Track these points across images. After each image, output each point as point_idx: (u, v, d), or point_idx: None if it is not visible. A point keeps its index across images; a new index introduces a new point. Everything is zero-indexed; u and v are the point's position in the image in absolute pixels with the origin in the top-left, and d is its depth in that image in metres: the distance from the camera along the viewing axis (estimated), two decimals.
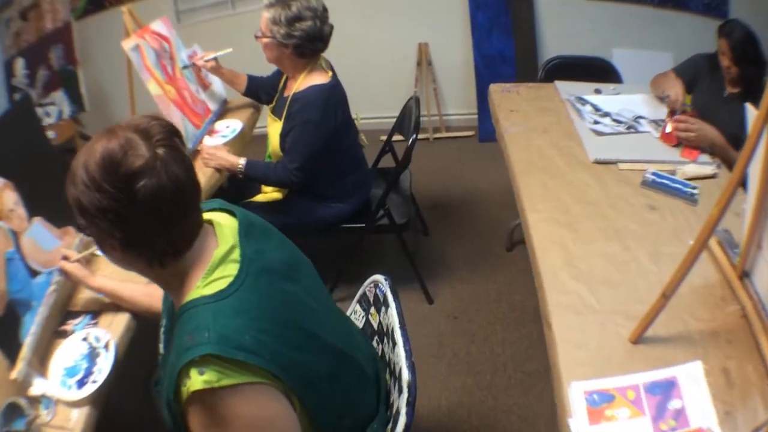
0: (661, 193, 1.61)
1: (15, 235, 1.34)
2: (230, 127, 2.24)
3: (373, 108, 3.54)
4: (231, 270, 0.92)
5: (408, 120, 2.34)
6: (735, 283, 1.28)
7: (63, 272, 1.41)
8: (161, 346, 1.13)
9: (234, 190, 2.45)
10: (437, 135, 3.64)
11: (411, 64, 3.43)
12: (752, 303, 1.19)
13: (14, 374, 1.22)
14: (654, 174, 1.66)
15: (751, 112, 1.07)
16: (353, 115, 2.29)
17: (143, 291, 1.36)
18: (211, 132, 2.20)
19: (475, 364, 2.14)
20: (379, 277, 1.39)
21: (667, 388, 1.07)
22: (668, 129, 1.82)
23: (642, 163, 1.72)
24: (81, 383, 1.28)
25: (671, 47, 2.61)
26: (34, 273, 1.39)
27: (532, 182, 1.69)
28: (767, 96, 0.93)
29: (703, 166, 1.69)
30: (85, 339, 1.39)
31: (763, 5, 2.56)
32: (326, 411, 1.03)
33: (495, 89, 2.30)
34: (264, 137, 2.23)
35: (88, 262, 1.53)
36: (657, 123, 1.90)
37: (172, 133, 0.90)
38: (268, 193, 2.20)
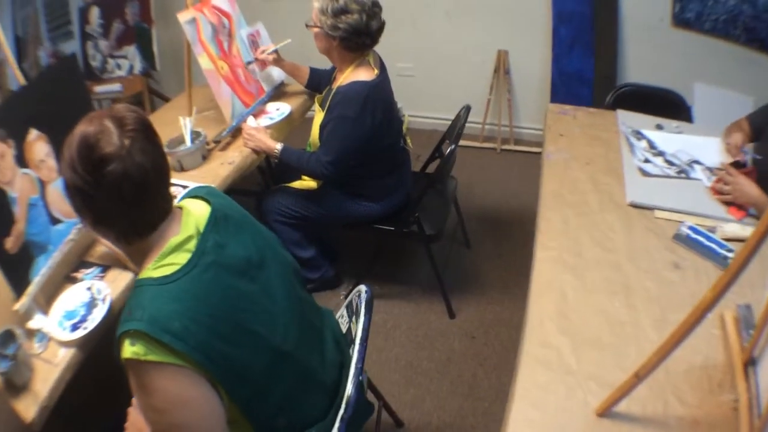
0: (693, 250, 1.45)
1: (42, 184, 1.46)
2: (280, 110, 2.29)
3: (444, 108, 3.49)
4: (181, 259, 0.97)
5: (455, 128, 2.28)
6: (738, 369, 1.12)
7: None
8: None
9: (278, 172, 2.52)
10: (505, 146, 3.52)
11: (488, 70, 3.33)
12: (748, 396, 1.05)
13: (17, 306, 1.34)
14: (691, 228, 1.50)
15: None
16: (402, 117, 2.27)
17: None
18: (261, 112, 2.26)
19: (478, 389, 2.06)
20: (362, 287, 1.37)
21: None
22: None
23: (681, 214, 1.56)
24: (75, 327, 1.38)
25: (753, 91, 2.33)
26: (55, 221, 1.51)
27: (554, 216, 1.58)
28: None
29: (746, 227, 1.51)
30: (89, 289, 1.49)
31: None
32: (260, 406, 1.05)
33: (553, 109, 2.17)
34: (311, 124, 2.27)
35: None
36: (712, 171, 1.71)
37: (144, 124, 0.97)
38: (306, 181, 2.23)
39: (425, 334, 2.32)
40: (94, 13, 3.09)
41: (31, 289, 1.38)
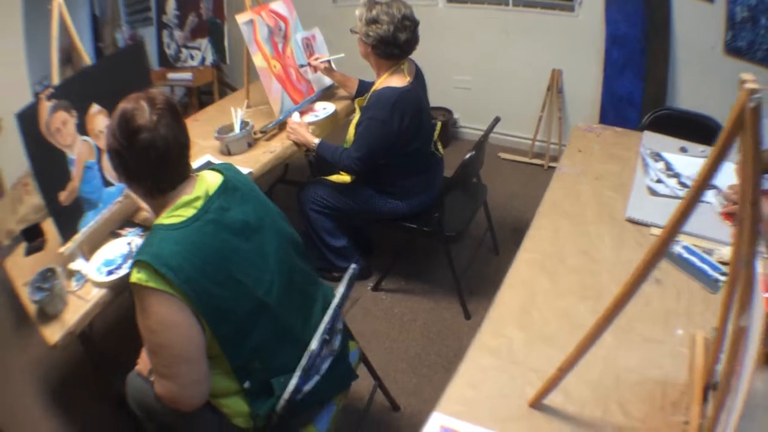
0: (682, 270, 1.39)
1: (99, 151, 1.68)
2: (327, 109, 2.43)
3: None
4: (188, 213, 1.17)
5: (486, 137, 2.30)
6: (697, 391, 1.07)
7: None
8: None
9: (319, 166, 2.66)
10: (552, 164, 3.45)
11: (542, 87, 3.30)
12: (700, 422, 1.00)
13: (62, 249, 1.56)
14: (685, 247, 1.45)
15: None
16: (434, 123, 2.33)
17: None
18: (308, 110, 2.42)
19: None
20: (353, 265, 1.47)
21: None
22: None
23: (679, 234, 1.50)
24: (110, 273, 1.58)
25: None
26: (108, 184, 1.72)
27: (547, 223, 1.59)
28: None
29: None
30: (129, 243, 1.69)
31: None
32: (237, 346, 1.19)
33: (580, 127, 2.15)
34: None
35: None
36: (726, 197, 1.63)
37: (171, 105, 1.18)
38: (342, 176, 2.36)
39: (439, 330, 2.36)
40: (171, 4, 3.29)
41: (77, 237, 1.59)
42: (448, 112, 3.67)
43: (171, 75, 3.42)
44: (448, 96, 3.65)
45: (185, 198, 1.18)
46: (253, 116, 2.30)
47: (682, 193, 1.67)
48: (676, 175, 1.75)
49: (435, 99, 3.64)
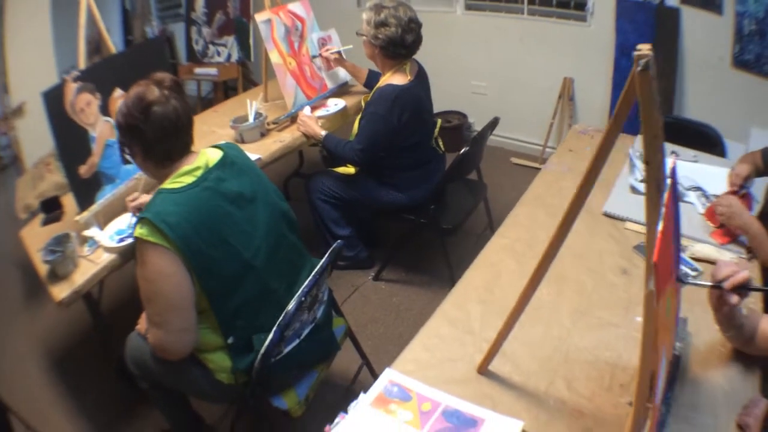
0: None
1: None
2: (338, 105, 2.51)
3: (510, 127, 3.52)
4: (188, 179, 1.29)
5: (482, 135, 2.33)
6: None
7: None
8: None
9: (332, 160, 2.74)
10: None
11: (554, 95, 3.30)
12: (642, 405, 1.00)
13: (78, 217, 1.67)
14: None
15: None
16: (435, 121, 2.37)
17: None
18: (321, 105, 2.50)
19: None
20: (338, 242, 1.53)
21: (465, 423, 0.98)
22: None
23: None
24: (121, 240, 1.69)
25: None
26: (126, 162, 1.84)
27: (524, 212, 1.61)
28: None
29: (721, 250, 1.42)
30: None
31: None
32: (223, 301, 1.29)
33: (576, 128, 2.15)
34: None
35: None
36: (708, 198, 1.62)
37: (177, 83, 1.32)
38: (348, 168, 2.43)
39: (427, 313, 2.38)
40: (200, 2, 3.38)
41: (94, 207, 1.71)
42: (463, 116, 3.70)
43: (197, 70, 3.54)
44: (466, 100, 3.69)
45: (187, 167, 1.30)
46: (269, 109, 2.40)
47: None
48: None
49: (452, 103, 3.70)
